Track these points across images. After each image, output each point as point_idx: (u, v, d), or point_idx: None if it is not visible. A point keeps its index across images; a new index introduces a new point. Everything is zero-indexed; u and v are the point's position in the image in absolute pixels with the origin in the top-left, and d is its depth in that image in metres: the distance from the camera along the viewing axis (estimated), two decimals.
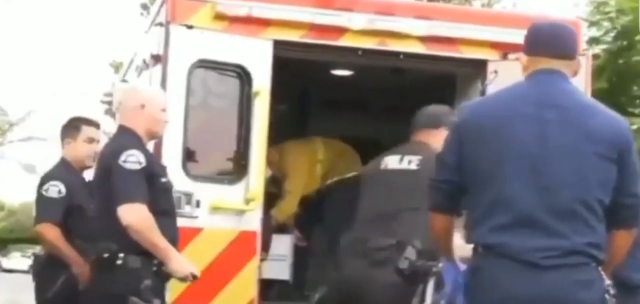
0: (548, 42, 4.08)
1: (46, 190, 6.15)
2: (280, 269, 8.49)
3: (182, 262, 5.28)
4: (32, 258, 7.32)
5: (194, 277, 5.34)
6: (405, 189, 5.37)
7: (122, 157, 5.18)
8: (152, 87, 5.91)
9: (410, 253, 5.01)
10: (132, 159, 5.18)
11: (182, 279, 5.32)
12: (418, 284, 5.01)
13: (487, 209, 3.91)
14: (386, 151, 5.79)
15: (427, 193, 4.24)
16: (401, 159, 5.51)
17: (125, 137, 5.39)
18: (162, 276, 5.26)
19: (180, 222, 6.08)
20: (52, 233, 6.08)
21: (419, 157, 5.44)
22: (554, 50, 4.06)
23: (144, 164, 5.20)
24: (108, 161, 5.28)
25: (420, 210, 5.07)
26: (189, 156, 6.66)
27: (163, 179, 5.40)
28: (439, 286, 5.05)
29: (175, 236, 5.43)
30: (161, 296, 5.21)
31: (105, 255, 5.21)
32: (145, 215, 5.16)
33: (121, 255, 5.16)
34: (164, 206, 5.34)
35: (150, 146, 5.83)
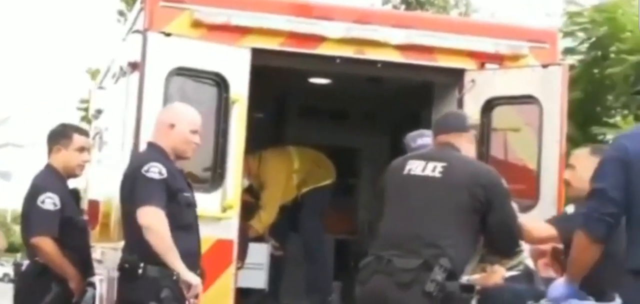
0: None
1: (42, 202, 6.09)
2: (256, 277, 8.49)
3: (192, 275, 5.35)
4: (13, 267, 7.26)
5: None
6: (429, 200, 5.14)
7: (145, 168, 5.37)
8: (185, 107, 5.86)
9: (438, 273, 4.90)
10: (154, 169, 5.36)
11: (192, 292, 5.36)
12: None
13: None
14: (411, 154, 5.60)
15: (587, 223, 4.44)
16: (425, 166, 5.22)
17: (152, 152, 5.57)
18: (182, 286, 5.33)
19: None
20: (49, 246, 6.05)
21: (443, 164, 5.19)
22: None
23: (164, 176, 5.36)
24: (132, 173, 5.45)
25: (446, 224, 5.08)
26: None
27: (186, 194, 5.51)
28: None
29: (195, 250, 5.54)
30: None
31: (126, 265, 5.40)
32: (161, 217, 5.28)
33: (142, 265, 5.31)
34: (186, 220, 5.48)
35: None
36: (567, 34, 15.93)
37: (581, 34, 15.90)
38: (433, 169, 5.20)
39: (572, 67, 14.82)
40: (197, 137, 5.63)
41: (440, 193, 5.13)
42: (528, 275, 5.28)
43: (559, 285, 4.76)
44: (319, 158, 8.99)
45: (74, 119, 23.77)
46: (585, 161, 5.68)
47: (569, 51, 16.02)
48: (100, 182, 8.25)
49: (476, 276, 5.25)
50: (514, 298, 4.98)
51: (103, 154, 8.28)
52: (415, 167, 5.26)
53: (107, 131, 8.21)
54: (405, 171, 5.29)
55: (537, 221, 5.79)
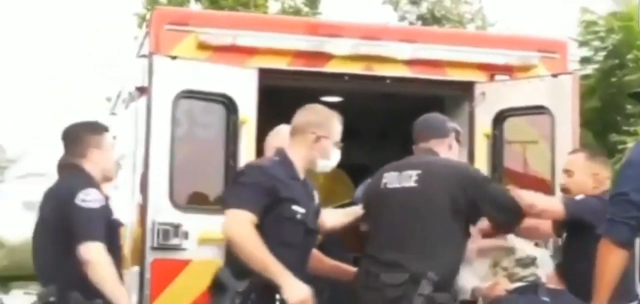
0: None
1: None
2: None
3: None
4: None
5: None
6: (408, 212, 5.10)
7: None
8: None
9: (425, 287, 4.87)
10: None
11: None
12: None
13: None
14: (386, 166, 5.48)
15: (610, 228, 4.33)
16: (400, 176, 5.19)
17: None
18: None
19: (169, 254, 6.04)
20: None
21: (417, 171, 5.14)
22: None
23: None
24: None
25: (427, 234, 5.03)
26: (175, 187, 6.61)
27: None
28: None
29: None
30: None
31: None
32: None
33: None
34: None
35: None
36: (583, 44, 15.88)
37: (597, 43, 15.85)
38: (408, 178, 5.16)
39: (587, 76, 14.76)
40: None
41: (418, 203, 5.09)
42: (534, 287, 5.21)
43: None
44: (339, 175, 8.94)
45: None
46: (583, 166, 5.74)
47: (585, 60, 15.95)
48: (118, 209, 8.23)
49: (484, 286, 5.20)
50: None
51: (118, 180, 8.28)
52: (390, 180, 5.24)
53: (121, 157, 8.21)
54: (382, 186, 5.27)
55: (539, 194, 5.63)
